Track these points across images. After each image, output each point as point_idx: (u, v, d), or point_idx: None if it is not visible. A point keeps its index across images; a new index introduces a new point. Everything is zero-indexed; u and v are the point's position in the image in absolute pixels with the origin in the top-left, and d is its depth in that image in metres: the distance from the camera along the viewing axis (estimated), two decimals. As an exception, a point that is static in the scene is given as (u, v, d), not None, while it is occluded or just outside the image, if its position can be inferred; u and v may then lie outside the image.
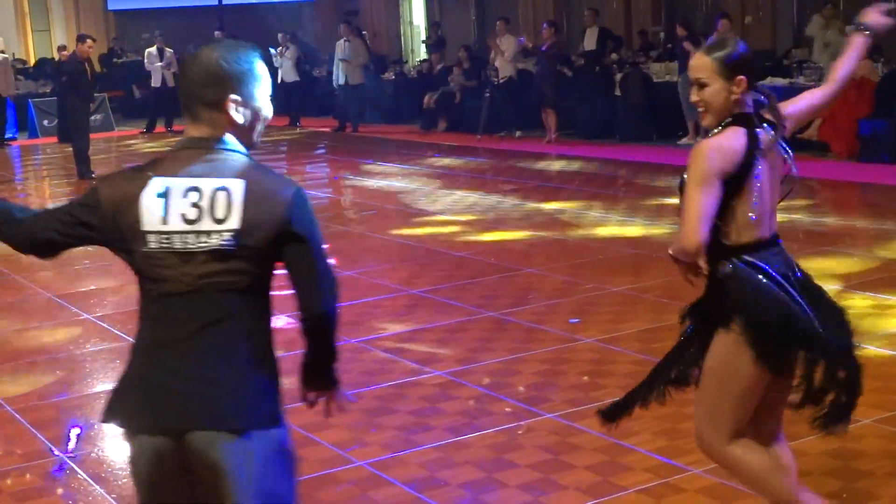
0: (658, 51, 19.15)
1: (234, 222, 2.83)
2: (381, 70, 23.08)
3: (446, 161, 16.34)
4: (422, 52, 26.26)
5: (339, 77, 20.65)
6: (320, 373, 3.12)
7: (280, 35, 22.94)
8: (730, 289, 3.64)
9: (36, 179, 17.55)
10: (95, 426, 5.90)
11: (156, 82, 21.85)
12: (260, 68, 3.00)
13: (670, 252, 3.69)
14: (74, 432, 5.80)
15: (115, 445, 5.62)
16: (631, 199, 12.25)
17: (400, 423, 5.62)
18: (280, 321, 7.89)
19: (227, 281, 2.88)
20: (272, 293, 3.02)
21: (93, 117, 22.82)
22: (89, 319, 8.00)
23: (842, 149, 13.98)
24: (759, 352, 3.58)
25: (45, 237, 2.99)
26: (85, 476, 5.17)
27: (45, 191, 15.71)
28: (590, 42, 18.94)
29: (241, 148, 2.96)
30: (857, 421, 5.22)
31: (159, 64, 21.82)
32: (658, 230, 10.20)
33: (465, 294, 8.14)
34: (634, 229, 10.31)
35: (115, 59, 26.01)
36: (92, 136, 21.64)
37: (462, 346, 6.88)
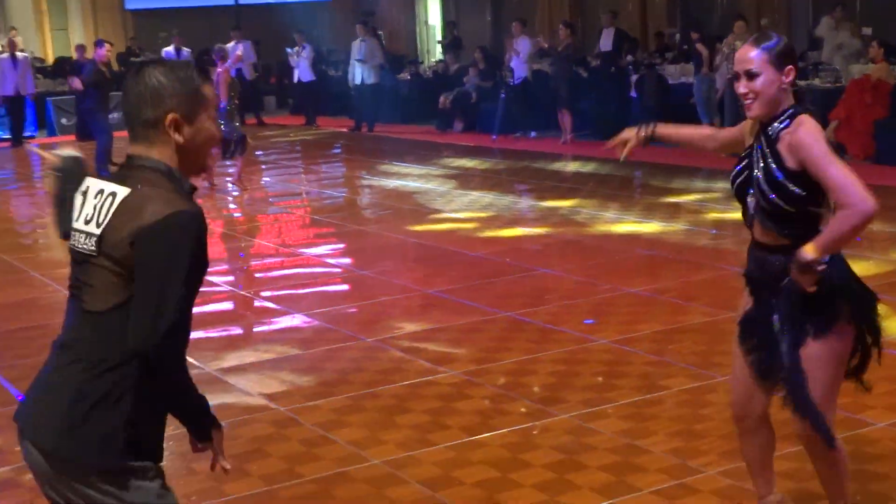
0: (674, 52, 19.15)
1: (101, 228, 2.77)
2: (396, 70, 23.07)
3: (462, 161, 16.34)
4: (437, 53, 26.26)
5: (355, 77, 20.68)
6: (183, 416, 3.02)
7: (296, 34, 22.96)
8: (833, 275, 3.66)
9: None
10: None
11: (173, 81, 21.87)
12: (205, 89, 2.89)
13: (808, 258, 3.57)
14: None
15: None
16: (647, 200, 12.24)
17: (415, 422, 5.63)
18: (296, 320, 7.90)
19: (88, 296, 2.78)
20: None
21: (111, 115, 22.94)
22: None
23: (858, 150, 13.94)
24: (867, 330, 3.76)
25: None
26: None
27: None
28: (605, 43, 18.93)
29: (167, 166, 2.83)
30: (872, 424, 5.23)
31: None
32: (674, 230, 10.19)
33: (480, 294, 8.15)
34: (650, 230, 10.30)
35: (132, 59, 26.03)
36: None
37: (477, 346, 6.89)
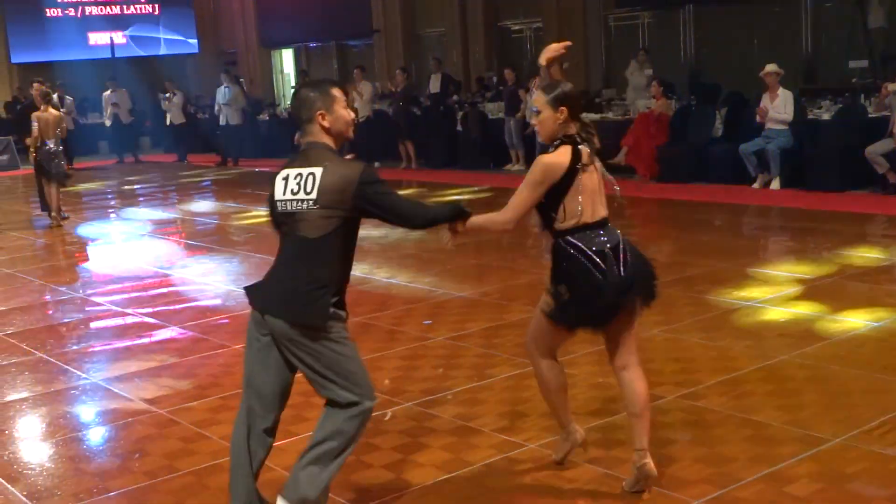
0: (492, 92, 19.39)
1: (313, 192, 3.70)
2: (257, 112, 22.82)
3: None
4: (292, 97, 26.04)
5: (221, 118, 20.37)
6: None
7: (167, 83, 22.48)
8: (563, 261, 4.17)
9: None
10: (7, 432, 5.66)
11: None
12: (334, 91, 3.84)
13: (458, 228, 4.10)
14: (-12, 438, 5.55)
15: (25, 448, 5.41)
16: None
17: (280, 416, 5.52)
18: (173, 332, 7.64)
19: (303, 232, 3.74)
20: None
21: (0, 157, 22.06)
22: (0, 337, 7.68)
23: (645, 171, 14.36)
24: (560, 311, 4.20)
25: None
26: (-2, 477, 4.95)
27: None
28: (434, 86, 19.07)
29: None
30: (662, 398, 5.37)
31: (61, 110, 21.14)
32: (499, 241, 10.27)
33: (334, 303, 8.05)
34: (479, 240, 10.36)
35: (18, 107, 25.07)
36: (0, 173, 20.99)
37: (333, 348, 6.80)
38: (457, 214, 3.99)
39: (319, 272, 3.73)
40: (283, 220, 3.81)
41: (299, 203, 3.72)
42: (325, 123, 3.82)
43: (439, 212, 4.00)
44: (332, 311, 3.73)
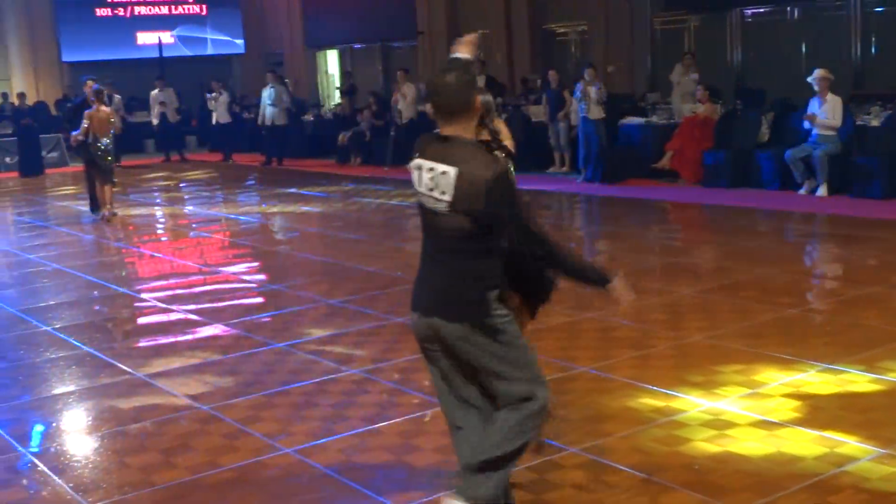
0: (537, 95, 19.33)
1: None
2: (301, 112, 22.95)
3: (359, 189, 16.27)
4: (336, 97, 26.16)
5: (266, 118, 20.53)
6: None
7: (213, 82, 22.66)
8: None
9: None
10: (54, 424, 5.74)
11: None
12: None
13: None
14: (37, 430, 5.64)
15: (72, 441, 5.48)
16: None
17: (322, 415, 5.57)
18: (216, 329, 7.71)
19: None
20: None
21: (50, 154, 22.33)
22: (48, 331, 7.79)
23: (690, 176, 14.24)
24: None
25: None
26: (45, 468, 5.02)
27: (8, 219, 15.26)
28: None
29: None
30: (703, 404, 5.31)
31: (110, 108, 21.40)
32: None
33: (376, 303, 8.10)
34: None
35: (68, 104, 25.42)
36: (48, 171, 21.26)
37: (375, 348, 6.84)
38: (602, 280, 3.77)
39: (473, 265, 3.56)
40: (425, 212, 3.64)
41: (436, 202, 3.54)
42: (479, 107, 3.58)
43: (588, 269, 3.84)
44: (494, 305, 3.57)
